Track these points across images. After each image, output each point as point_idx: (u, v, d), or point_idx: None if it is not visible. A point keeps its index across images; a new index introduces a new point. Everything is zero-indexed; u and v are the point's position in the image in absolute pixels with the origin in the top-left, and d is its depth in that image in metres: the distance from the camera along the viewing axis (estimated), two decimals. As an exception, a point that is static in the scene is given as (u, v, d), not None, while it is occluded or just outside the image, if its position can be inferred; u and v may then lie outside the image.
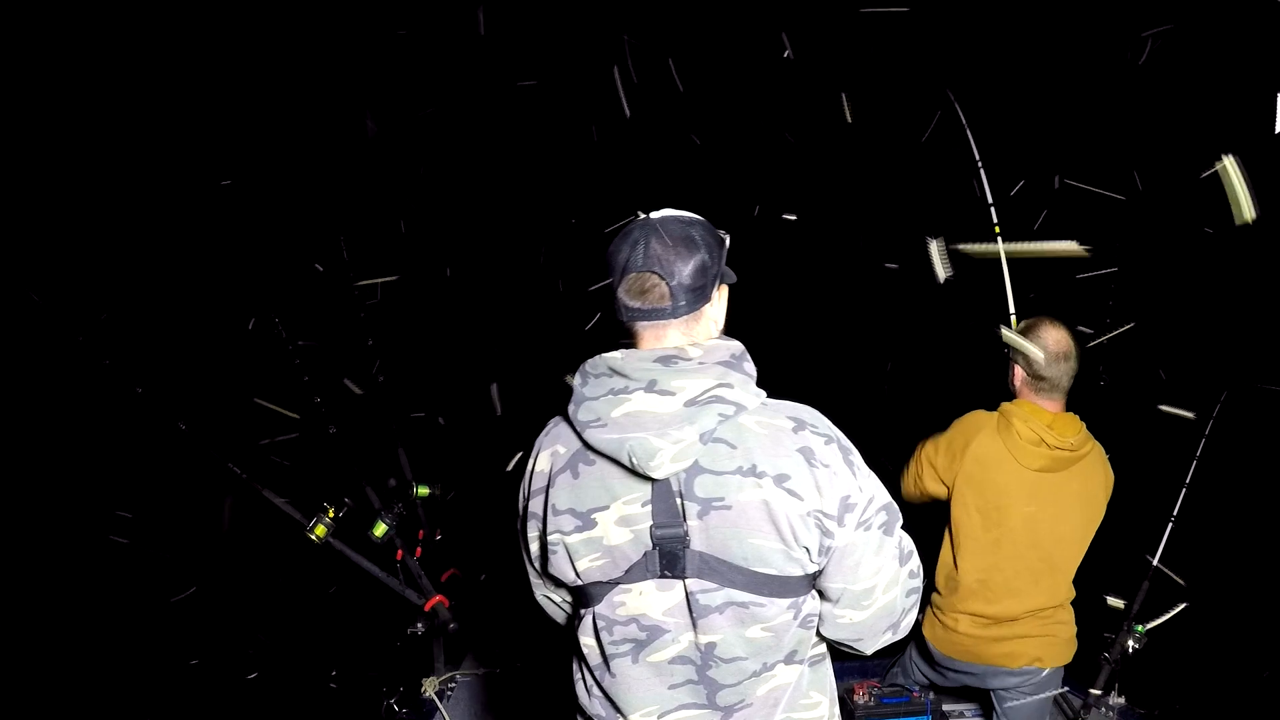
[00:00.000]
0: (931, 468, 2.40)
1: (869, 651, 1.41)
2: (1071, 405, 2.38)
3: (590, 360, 1.32)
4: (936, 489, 2.41)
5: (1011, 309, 3.33)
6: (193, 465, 2.96)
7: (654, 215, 1.32)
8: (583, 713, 1.42)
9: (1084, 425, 2.30)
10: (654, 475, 1.22)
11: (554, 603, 1.52)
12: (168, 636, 3.79)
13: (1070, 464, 2.27)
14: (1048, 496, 2.29)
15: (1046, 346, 2.24)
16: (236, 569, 3.93)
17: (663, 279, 1.26)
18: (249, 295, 3.30)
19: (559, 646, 1.57)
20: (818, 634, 1.37)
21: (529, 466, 1.39)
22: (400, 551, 3.03)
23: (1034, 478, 2.26)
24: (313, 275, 3.51)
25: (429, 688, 2.83)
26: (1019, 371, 2.33)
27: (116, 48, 3.51)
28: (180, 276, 3.83)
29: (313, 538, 2.90)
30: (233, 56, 3.70)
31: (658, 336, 1.30)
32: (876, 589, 1.32)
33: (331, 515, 2.92)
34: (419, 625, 3.01)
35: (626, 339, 1.35)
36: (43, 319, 2.97)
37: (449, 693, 2.87)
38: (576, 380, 1.31)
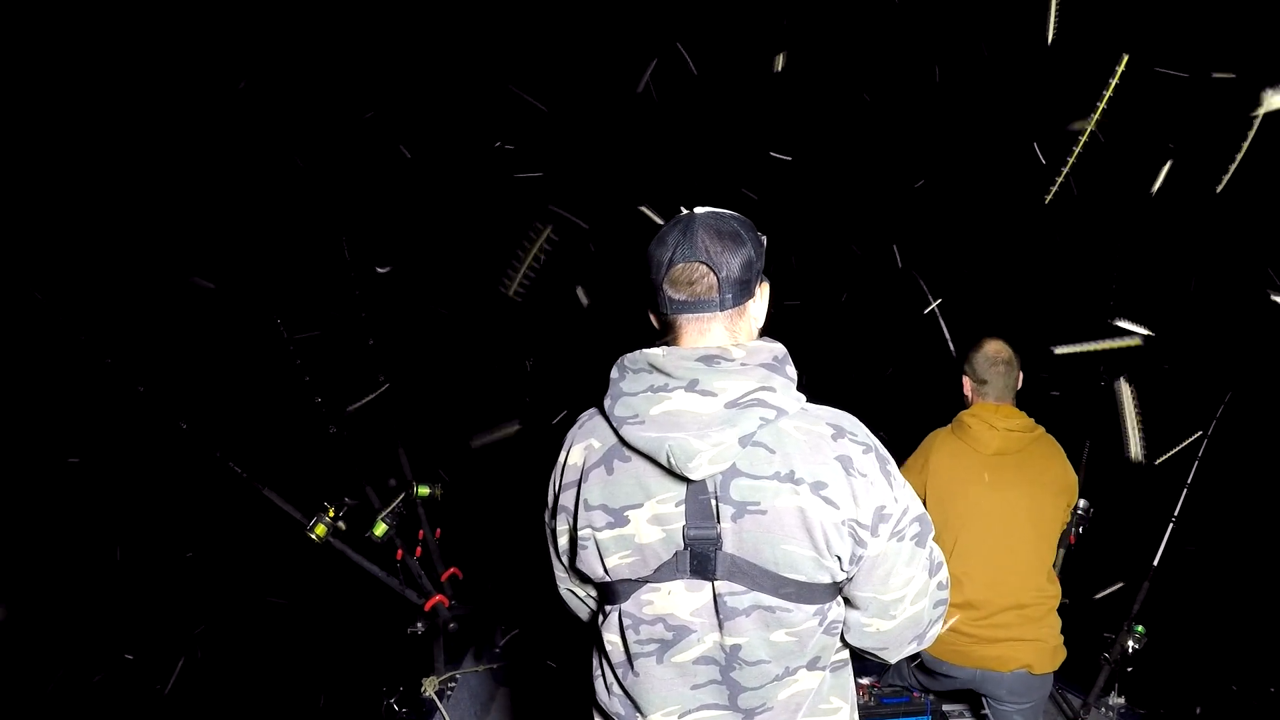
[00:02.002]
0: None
1: (893, 660, 1.39)
2: (1073, 403, 2.48)
3: (629, 355, 1.29)
4: None
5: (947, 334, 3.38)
6: (193, 465, 2.96)
7: (697, 210, 1.30)
8: (601, 710, 1.41)
9: (1030, 418, 2.51)
10: (691, 476, 1.20)
11: (578, 598, 1.49)
12: (168, 636, 3.79)
13: (1024, 444, 2.46)
14: (1011, 477, 2.43)
15: (986, 354, 2.52)
16: (236, 568, 3.93)
17: (712, 270, 1.24)
18: (250, 296, 3.31)
19: (575, 644, 1.56)
20: (842, 641, 1.36)
21: (560, 459, 1.37)
22: (400, 551, 3.04)
23: (994, 461, 2.45)
24: (313, 276, 3.52)
25: (429, 688, 2.83)
26: (967, 381, 2.59)
27: (117, 48, 3.52)
28: (182, 277, 3.84)
29: (313, 538, 2.90)
30: (232, 55, 3.71)
31: (701, 331, 1.28)
32: (905, 599, 1.31)
33: (331, 515, 2.92)
34: (419, 625, 3.01)
35: (663, 337, 1.32)
36: (45, 318, 2.98)
37: (449, 693, 2.87)
38: (614, 374, 1.29)
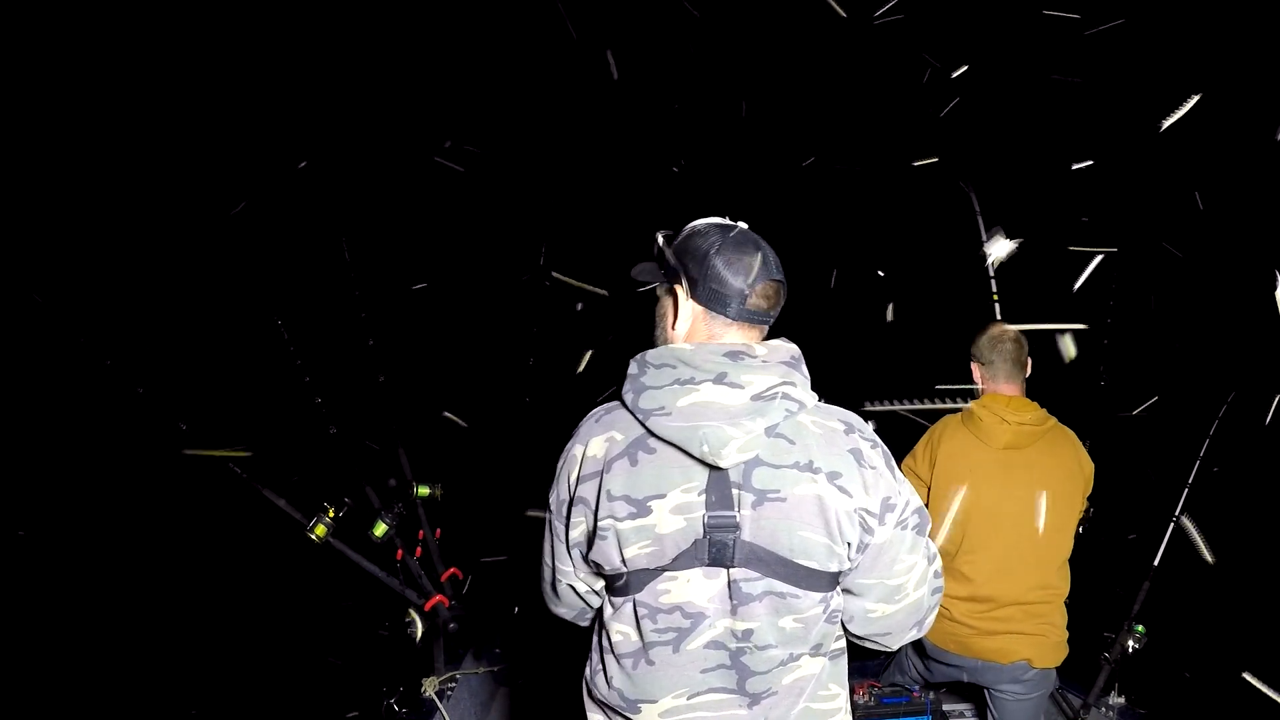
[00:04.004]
0: (915, 477, 2.54)
1: (894, 647, 1.47)
2: (1074, 402, 2.53)
3: (651, 352, 1.36)
4: (923, 496, 2.50)
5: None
6: (192, 465, 2.96)
7: (744, 225, 1.40)
8: (597, 701, 1.41)
9: (1043, 409, 2.48)
10: (721, 464, 1.26)
11: (577, 593, 1.47)
12: (168, 636, 3.80)
13: (1035, 439, 2.42)
14: (1020, 473, 2.40)
15: (990, 335, 2.52)
16: (236, 568, 3.93)
17: (783, 287, 1.39)
18: (251, 296, 3.31)
19: (568, 640, 1.56)
20: (844, 631, 1.43)
21: (577, 453, 1.38)
22: (400, 551, 3.04)
23: (1003, 456, 2.41)
24: (314, 277, 3.52)
25: (429, 688, 2.83)
26: (975, 368, 2.56)
27: (118, 49, 3.52)
28: (182, 277, 3.84)
29: (313, 538, 2.91)
30: (233, 58, 3.71)
31: (748, 337, 1.37)
32: (908, 585, 1.38)
33: (331, 515, 2.92)
34: (419, 625, 3.01)
35: (686, 331, 1.39)
36: (45, 320, 2.98)
37: (449, 693, 2.87)
38: (633, 370, 1.35)
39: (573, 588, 1.48)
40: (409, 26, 4.11)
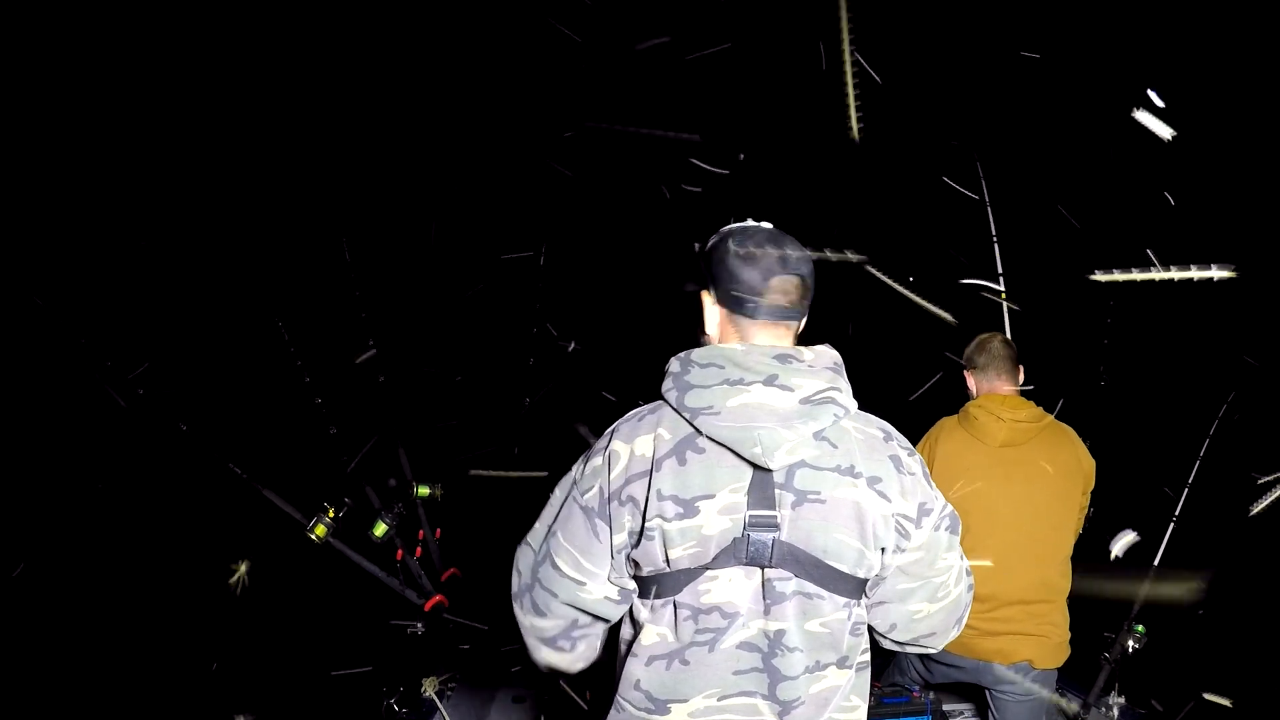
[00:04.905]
0: None
1: (939, 647, 1.51)
2: (1075, 403, 2.59)
3: (696, 350, 1.37)
4: None
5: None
6: (193, 465, 2.97)
7: (767, 225, 1.42)
8: (626, 702, 1.36)
9: (1039, 407, 2.51)
10: (772, 466, 1.27)
11: (611, 601, 1.39)
12: (168, 636, 3.80)
13: (1031, 435, 2.45)
14: (1017, 470, 2.42)
15: (978, 340, 2.60)
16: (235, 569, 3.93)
17: (804, 283, 1.39)
18: (251, 297, 3.32)
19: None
20: (883, 641, 1.49)
21: (620, 450, 1.34)
22: (400, 551, 3.04)
23: (1000, 453, 2.44)
24: (314, 278, 3.52)
25: (429, 688, 2.83)
26: (968, 375, 2.62)
27: (119, 49, 3.52)
28: (182, 279, 3.85)
29: (313, 538, 2.91)
30: (234, 58, 3.71)
31: (777, 335, 1.39)
32: (949, 582, 1.45)
33: (331, 515, 2.93)
34: (419, 625, 3.02)
35: (722, 336, 1.41)
36: (45, 322, 2.99)
37: (449, 693, 2.88)
38: (675, 368, 1.36)
39: (609, 598, 1.39)
40: (411, 26, 4.12)
